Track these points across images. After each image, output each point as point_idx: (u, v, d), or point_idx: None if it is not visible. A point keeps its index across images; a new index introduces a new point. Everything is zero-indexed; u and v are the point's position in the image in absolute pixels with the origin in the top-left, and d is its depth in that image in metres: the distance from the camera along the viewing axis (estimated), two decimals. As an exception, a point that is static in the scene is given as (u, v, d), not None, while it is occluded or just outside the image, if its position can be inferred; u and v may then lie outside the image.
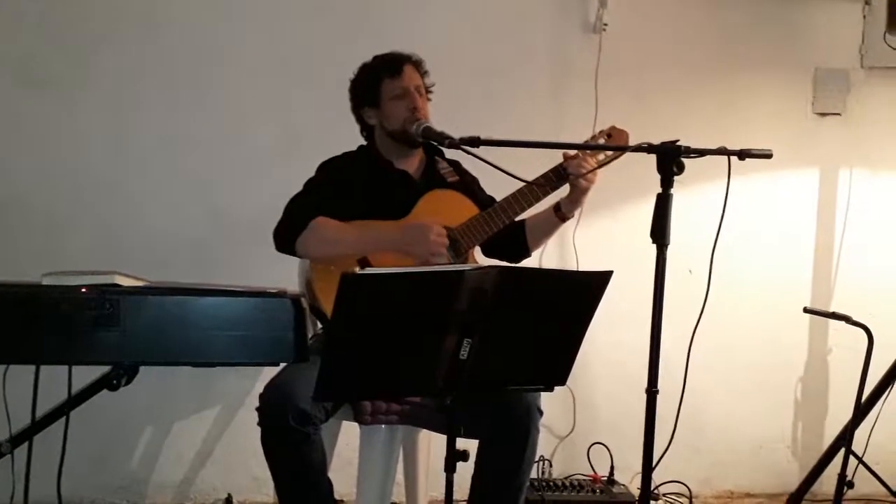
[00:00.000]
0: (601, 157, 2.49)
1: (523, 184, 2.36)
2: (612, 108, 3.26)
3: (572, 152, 2.46)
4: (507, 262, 2.62)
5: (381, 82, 2.53)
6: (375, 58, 2.58)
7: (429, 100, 2.60)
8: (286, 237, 2.39)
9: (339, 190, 2.47)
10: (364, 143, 2.65)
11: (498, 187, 2.51)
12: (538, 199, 2.47)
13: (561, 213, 2.53)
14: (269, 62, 3.17)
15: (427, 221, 2.39)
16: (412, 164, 2.60)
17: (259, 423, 2.14)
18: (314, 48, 3.18)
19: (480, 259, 2.61)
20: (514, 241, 2.62)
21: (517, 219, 2.53)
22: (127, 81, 3.10)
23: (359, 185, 2.49)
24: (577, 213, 2.55)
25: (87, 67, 3.08)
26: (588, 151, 2.47)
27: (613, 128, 2.53)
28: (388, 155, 2.58)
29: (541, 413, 2.25)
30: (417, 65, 2.58)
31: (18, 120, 3.06)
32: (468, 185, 2.65)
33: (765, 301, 3.49)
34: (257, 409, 2.15)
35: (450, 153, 2.53)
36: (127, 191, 3.12)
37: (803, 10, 3.47)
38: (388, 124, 2.54)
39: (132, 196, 3.12)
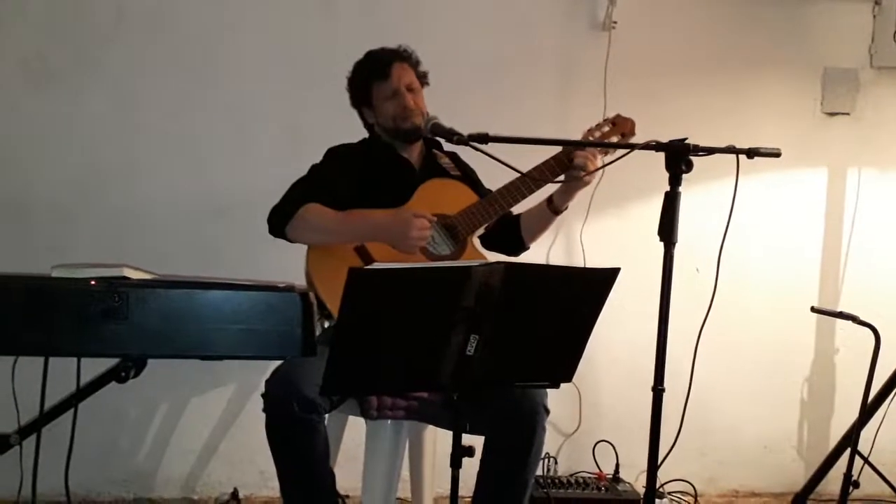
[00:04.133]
0: (608, 158, 2.48)
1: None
2: (620, 105, 3.21)
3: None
4: (505, 255, 2.64)
5: (371, 85, 2.57)
6: (366, 56, 2.60)
7: (426, 84, 2.62)
8: (276, 222, 2.42)
9: (343, 174, 2.49)
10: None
11: (499, 181, 2.50)
12: (538, 188, 2.45)
13: (553, 206, 2.51)
14: (274, 59, 3.18)
15: (410, 215, 2.36)
16: (412, 153, 2.63)
17: (264, 410, 2.15)
18: (318, 45, 3.18)
19: (479, 247, 2.60)
20: (510, 234, 2.63)
21: (514, 212, 2.54)
22: (132, 78, 3.11)
23: (362, 171, 2.51)
24: (569, 205, 2.52)
25: (93, 64, 3.09)
26: (597, 150, 2.46)
27: (618, 116, 2.51)
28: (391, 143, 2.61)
29: (547, 412, 2.25)
30: (407, 59, 2.59)
31: (25, 116, 3.07)
32: (469, 176, 2.67)
33: (772, 300, 3.48)
34: (263, 396, 2.17)
35: (448, 145, 2.53)
36: (134, 185, 3.13)
37: (812, 9, 3.46)
38: (382, 122, 2.58)
39: (139, 191, 3.13)
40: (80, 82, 3.09)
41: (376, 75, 2.55)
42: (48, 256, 2.94)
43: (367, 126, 2.67)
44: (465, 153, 2.20)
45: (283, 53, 3.18)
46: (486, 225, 2.51)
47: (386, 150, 2.60)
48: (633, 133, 2.51)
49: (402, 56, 2.58)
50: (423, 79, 2.62)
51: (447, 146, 2.57)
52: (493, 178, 2.54)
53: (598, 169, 2.41)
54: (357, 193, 2.46)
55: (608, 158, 2.45)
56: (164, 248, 3.10)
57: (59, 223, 3.09)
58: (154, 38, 3.11)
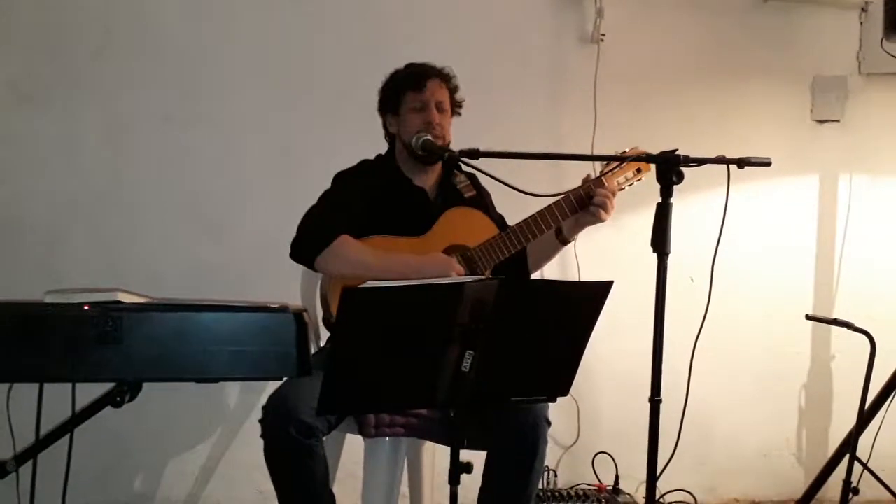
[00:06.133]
0: (621, 179, 2.47)
1: (528, 196, 2.33)
2: (610, 117, 3.28)
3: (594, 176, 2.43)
4: None
5: (403, 93, 2.51)
6: (406, 66, 2.56)
7: (458, 114, 2.59)
8: (307, 251, 2.32)
9: (356, 203, 2.43)
10: (383, 151, 2.63)
11: (506, 198, 2.49)
12: (557, 223, 2.44)
13: (562, 237, 2.51)
14: (267, 77, 3.18)
15: (450, 264, 2.33)
16: (429, 179, 2.57)
17: (262, 435, 2.14)
18: (312, 63, 3.19)
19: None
20: (516, 262, 2.56)
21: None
22: (121, 97, 3.11)
23: (375, 200, 2.44)
24: (578, 237, 2.53)
25: (81, 84, 3.09)
26: (608, 178, 2.44)
27: (642, 166, 2.47)
28: (405, 168, 2.55)
29: (549, 424, 2.25)
30: (446, 79, 2.55)
31: (13, 137, 3.06)
32: (484, 201, 2.64)
33: (767, 308, 3.49)
34: (260, 421, 2.15)
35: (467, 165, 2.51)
36: (125, 207, 3.12)
37: (801, 17, 3.48)
38: (403, 135, 2.52)
39: (130, 212, 3.12)
40: (69, 102, 3.08)
41: (411, 84, 2.50)
42: (39, 279, 2.94)
43: (388, 137, 2.61)
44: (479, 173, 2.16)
45: (274, 69, 3.18)
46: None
47: (398, 177, 2.53)
48: (647, 168, 2.45)
49: (442, 75, 2.55)
50: (456, 105, 2.58)
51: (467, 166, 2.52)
52: (499, 190, 2.52)
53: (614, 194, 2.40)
54: (372, 221, 2.40)
55: (620, 180, 2.45)
56: (156, 268, 3.10)
57: (49, 244, 3.08)
58: (142, 57, 3.11)
